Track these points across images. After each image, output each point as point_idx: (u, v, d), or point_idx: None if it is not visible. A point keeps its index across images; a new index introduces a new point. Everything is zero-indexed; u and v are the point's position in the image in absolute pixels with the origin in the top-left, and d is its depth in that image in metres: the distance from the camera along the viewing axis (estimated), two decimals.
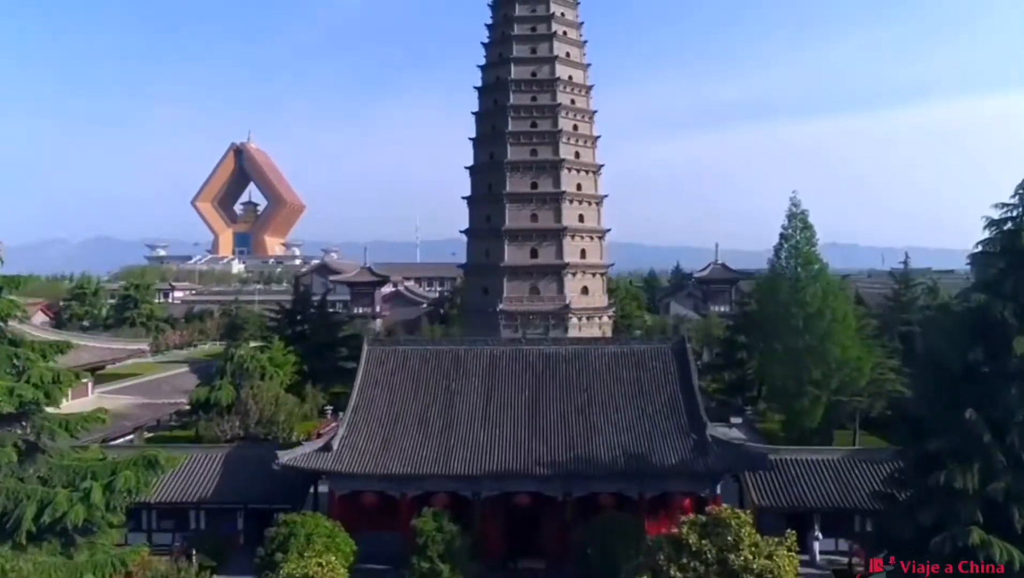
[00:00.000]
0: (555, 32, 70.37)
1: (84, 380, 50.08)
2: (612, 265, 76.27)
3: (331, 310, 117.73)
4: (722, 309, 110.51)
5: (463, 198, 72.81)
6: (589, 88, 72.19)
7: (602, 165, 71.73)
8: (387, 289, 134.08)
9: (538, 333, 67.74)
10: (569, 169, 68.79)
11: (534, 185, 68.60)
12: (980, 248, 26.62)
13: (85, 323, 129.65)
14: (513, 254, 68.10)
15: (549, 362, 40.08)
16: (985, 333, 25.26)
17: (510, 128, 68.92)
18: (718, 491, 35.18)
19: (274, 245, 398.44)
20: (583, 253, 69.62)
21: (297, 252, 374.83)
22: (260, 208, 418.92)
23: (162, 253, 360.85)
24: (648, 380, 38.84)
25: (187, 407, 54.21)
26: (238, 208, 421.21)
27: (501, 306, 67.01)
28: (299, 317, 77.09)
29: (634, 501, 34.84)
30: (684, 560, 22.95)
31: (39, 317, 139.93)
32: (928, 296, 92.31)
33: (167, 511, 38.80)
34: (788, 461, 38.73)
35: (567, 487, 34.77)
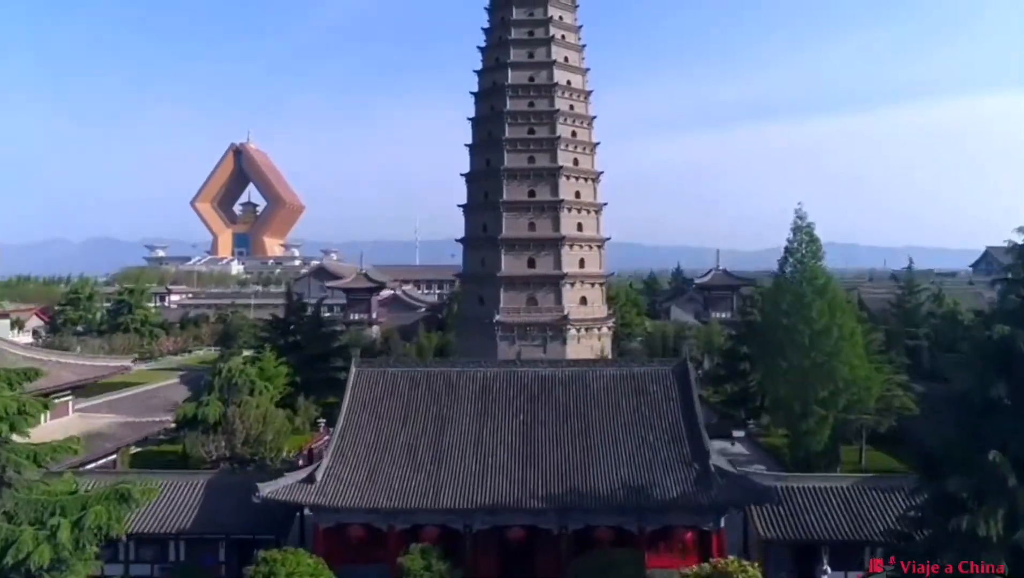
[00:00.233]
0: (553, 36, 68.63)
1: (65, 398, 48.82)
2: (612, 275, 74.64)
3: (328, 314, 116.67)
4: (724, 316, 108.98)
5: (459, 206, 71.15)
6: (588, 93, 70.44)
7: (601, 172, 70.05)
8: (385, 293, 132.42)
9: (535, 345, 66.24)
10: (568, 176, 67.08)
11: (531, 193, 66.92)
12: (1006, 275, 25.24)
13: (79, 328, 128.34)
14: (510, 264, 66.43)
15: (545, 385, 38.37)
16: (1008, 366, 23.85)
17: (507, 134, 67.23)
18: (722, 524, 33.47)
19: (273, 246, 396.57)
20: (582, 263, 67.92)
21: (296, 253, 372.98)
22: (259, 209, 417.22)
23: (161, 254, 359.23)
24: (648, 405, 37.10)
25: (172, 425, 52.45)
26: (237, 209, 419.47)
27: (498, 317, 65.40)
28: (292, 327, 75.41)
29: (634, 535, 33.16)
30: None
31: (33, 321, 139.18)
32: (933, 303, 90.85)
33: (146, 541, 37.11)
34: (795, 489, 36.94)
35: (563, 520, 33.09)
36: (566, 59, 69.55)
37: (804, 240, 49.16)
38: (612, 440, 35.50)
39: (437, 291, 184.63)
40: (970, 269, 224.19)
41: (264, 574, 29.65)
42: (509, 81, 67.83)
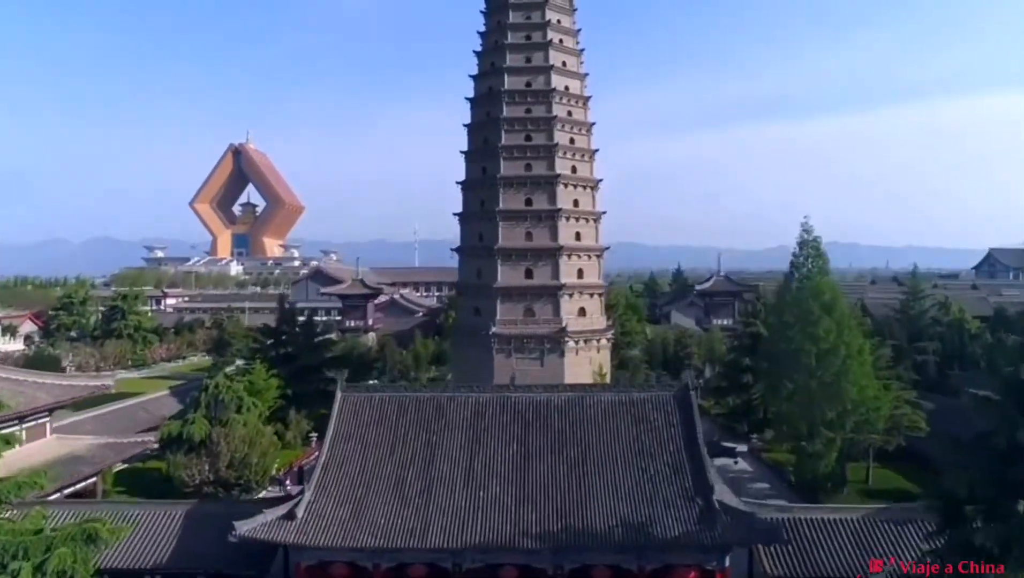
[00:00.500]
0: (551, 40, 66.67)
1: (43, 420, 47.07)
2: (612, 283, 72.73)
3: (324, 319, 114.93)
4: (725, 322, 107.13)
5: (455, 215, 69.24)
6: (587, 99, 68.48)
7: (600, 180, 68.05)
8: (382, 298, 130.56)
9: (533, 357, 64.37)
10: (566, 185, 65.13)
11: (528, 202, 64.99)
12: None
13: (73, 334, 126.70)
14: (507, 274, 64.54)
15: (540, 411, 36.51)
16: None
17: (503, 141, 65.32)
18: (727, 563, 31.66)
19: (273, 246, 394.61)
20: (580, 273, 65.99)
21: (296, 253, 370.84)
22: (259, 209, 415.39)
23: (160, 255, 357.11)
24: (648, 434, 35.24)
25: (156, 446, 50.70)
26: (237, 209, 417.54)
27: (494, 329, 63.56)
28: (283, 337, 73.60)
29: (633, 574, 31.35)
30: None
31: (27, 326, 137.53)
32: (939, 312, 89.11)
33: (121, 576, 35.36)
34: (802, 521, 35.12)
35: (558, 559, 31.28)
36: (564, 64, 67.58)
37: (810, 254, 47.48)
38: (610, 471, 33.66)
39: (436, 293, 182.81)
40: (972, 271, 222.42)
41: None
42: (506, 86, 65.89)
